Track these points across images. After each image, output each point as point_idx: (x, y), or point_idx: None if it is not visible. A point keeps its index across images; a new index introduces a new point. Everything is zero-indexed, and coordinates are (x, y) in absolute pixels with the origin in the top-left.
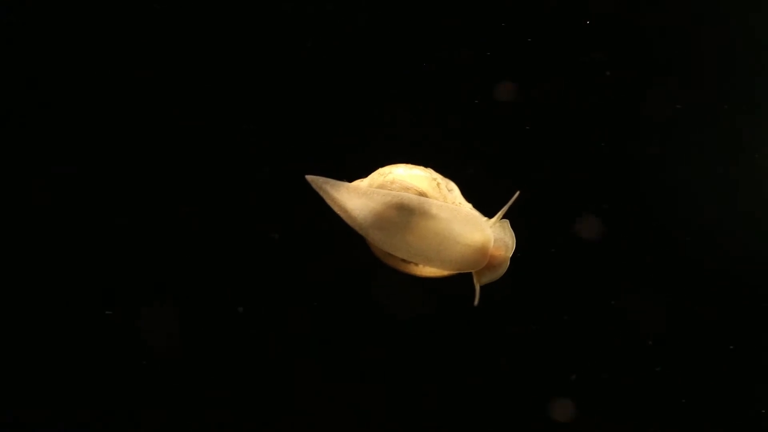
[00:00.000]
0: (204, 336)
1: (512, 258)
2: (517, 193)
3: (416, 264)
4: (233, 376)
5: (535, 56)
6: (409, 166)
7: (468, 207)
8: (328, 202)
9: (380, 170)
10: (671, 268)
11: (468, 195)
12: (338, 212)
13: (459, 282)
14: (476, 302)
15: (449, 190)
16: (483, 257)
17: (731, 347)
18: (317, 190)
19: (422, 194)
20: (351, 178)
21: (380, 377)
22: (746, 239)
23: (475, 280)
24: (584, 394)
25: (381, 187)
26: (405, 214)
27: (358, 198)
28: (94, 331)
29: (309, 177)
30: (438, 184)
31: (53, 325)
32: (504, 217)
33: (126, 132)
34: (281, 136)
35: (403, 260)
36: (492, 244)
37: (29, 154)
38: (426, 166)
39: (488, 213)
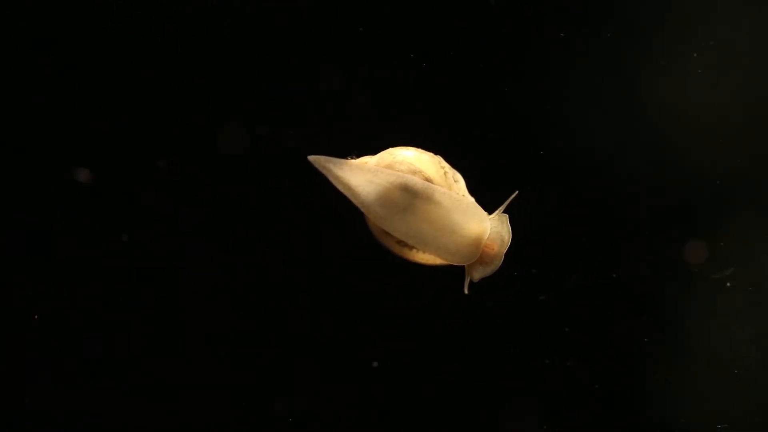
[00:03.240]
0: (203, 335)
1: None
2: (516, 192)
3: (410, 248)
4: (232, 375)
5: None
6: (420, 150)
7: (471, 200)
8: (332, 180)
9: (390, 150)
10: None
11: (473, 190)
12: (342, 190)
13: (450, 274)
14: (466, 290)
15: (455, 181)
16: (476, 250)
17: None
18: (320, 169)
19: (428, 180)
20: (360, 155)
21: (378, 376)
22: None
23: (466, 274)
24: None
25: (388, 166)
26: (409, 195)
27: (362, 175)
28: (89, 331)
29: (311, 157)
30: (445, 172)
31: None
32: (506, 214)
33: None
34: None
35: (399, 242)
36: (486, 236)
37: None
38: (436, 154)
39: (490, 210)
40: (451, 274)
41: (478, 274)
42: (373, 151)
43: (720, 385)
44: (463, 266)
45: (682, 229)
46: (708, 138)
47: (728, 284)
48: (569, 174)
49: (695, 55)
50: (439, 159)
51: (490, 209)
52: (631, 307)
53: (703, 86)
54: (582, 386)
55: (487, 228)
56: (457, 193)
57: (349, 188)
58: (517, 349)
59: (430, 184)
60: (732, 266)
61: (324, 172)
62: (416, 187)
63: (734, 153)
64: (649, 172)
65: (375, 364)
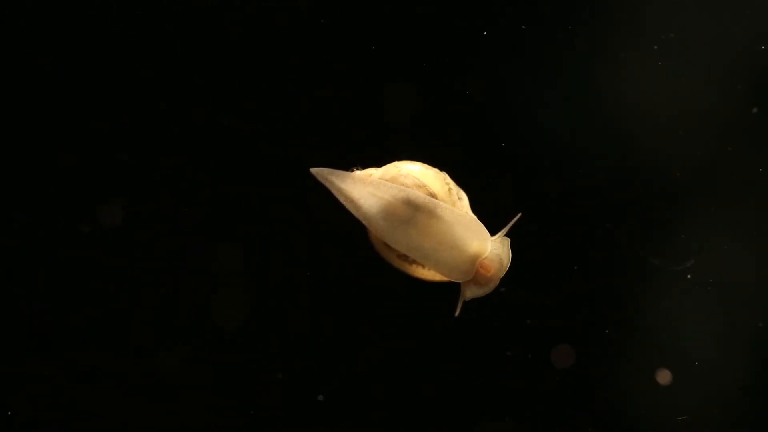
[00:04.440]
0: (203, 335)
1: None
2: (519, 214)
3: (410, 263)
4: (232, 377)
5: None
6: (426, 165)
7: (473, 217)
8: (334, 192)
9: (396, 163)
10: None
11: (476, 210)
12: (344, 202)
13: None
14: (457, 313)
15: (459, 198)
16: (472, 267)
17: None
18: (323, 181)
19: (433, 195)
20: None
21: (378, 377)
22: None
23: (461, 294)
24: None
25: (393, 179)
26: (411, 209)
27: (364, 187)
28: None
29: (314, 169)
30: (450, 189)
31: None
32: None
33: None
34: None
35: (399, 257)
36: (485, 254)
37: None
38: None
39: (491, 230)
40: (449, 291)
41: (470, 293)
42: (379, 164)
43: (680, 376)
44: (459, 284)
45: (642, 221)
46: (668, 131)
47: (689, 276)
48: (529, 165)
49: (655, 47)
50: (444, 175)
51: (492, 230)
52: (591, 299)
53: (663, 79)
54: (542, 378)
55: (487, 246)
56: (460, 210)
57: (351, 201)
58: (477, 341)
59: (433, 199)
60: (692, 258)
61: (326, 184)
62: (418, 201)
63: (694, 146)
64: (610, 165)
65: (321, 397)
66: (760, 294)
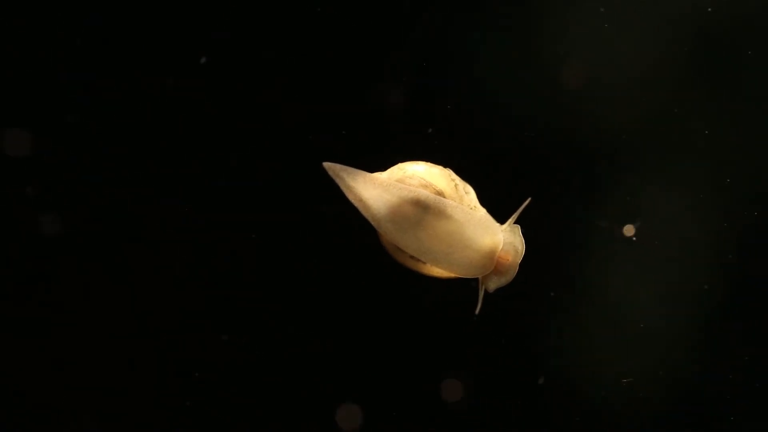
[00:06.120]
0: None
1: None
2: (529, 199)
3: (424, 263)
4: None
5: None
6: (429, 164)
7: (482, 212)
8: (344, 190)
9: (400, 165)
10: None
11: (484, 201)
12: (353, 201)
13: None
14: (478, 310)
15: (466, 193)
16: (490, 262)
17: None
18: (334, 177)
19: (439, 193)
20: (370, 171)
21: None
22: None
23: (480, 287)
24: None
25: (399, 181)
26: (420, 210)
27: (374, 188)
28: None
29: (326, 164)
30: (456, 185)
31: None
32: (517, 224)
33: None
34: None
35: (412, 257)
36: (500, 248)
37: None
38: (445, 167)
39: (501, 221)
40: (467, 286)
41: (493, 285)
42: (382, 168)
43: (625, 340)
44: (477, 279)
45: (589, 185)
46: (614, 93)
47: (634, 238)
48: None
49: (602, 9)
50: (449, 172)
51: (502, 218)
52: (537, 264)
53: (609, 40)
54: (488, 341)
55: (500, 240)
56: (468, 205)
57: (361, 200)
58: (423, 303)
59: (442, 198)
60: (638, 220)
61: (337, 180)
62: (428, 201)
63: (640, 107)
64: (555, 127)
65: None
66: (705, 256)
